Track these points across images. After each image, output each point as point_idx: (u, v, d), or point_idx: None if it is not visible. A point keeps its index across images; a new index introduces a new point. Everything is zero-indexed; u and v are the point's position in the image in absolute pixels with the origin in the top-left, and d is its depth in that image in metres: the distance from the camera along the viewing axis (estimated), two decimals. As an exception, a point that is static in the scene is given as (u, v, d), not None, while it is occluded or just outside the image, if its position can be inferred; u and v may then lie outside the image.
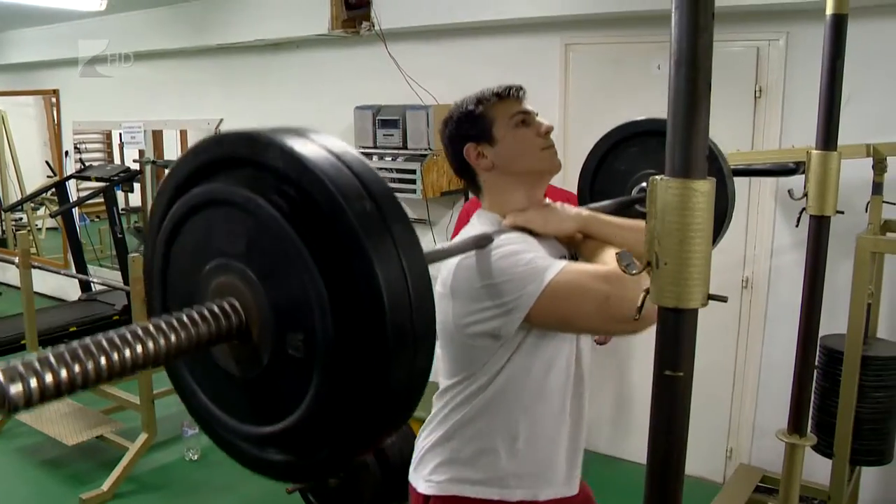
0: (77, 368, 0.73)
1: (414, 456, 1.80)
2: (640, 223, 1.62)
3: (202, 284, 0.91)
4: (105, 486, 3.82)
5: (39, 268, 5.31)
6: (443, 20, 4.26)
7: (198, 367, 0.97)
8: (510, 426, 1.63)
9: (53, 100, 7.43)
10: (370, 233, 0.80)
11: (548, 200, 1.73)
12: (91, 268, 7.09)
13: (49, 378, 0.70)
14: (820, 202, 1.87)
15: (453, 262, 1.55)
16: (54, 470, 4.18)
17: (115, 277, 6.62)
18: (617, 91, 3.94)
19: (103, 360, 0.74)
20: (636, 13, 3.70)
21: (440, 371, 1.72)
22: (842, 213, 1.96)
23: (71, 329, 5.81)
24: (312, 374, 0.83)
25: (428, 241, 4.68)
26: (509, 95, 1.71)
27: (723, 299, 0.90)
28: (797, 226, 2.05)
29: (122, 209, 7.15)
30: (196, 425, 4.27)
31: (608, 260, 1.51)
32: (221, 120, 5.84)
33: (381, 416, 0.86)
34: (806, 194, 1.91)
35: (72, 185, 7.03)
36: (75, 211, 7.00)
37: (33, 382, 0.69)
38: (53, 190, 7.00)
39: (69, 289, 7.10)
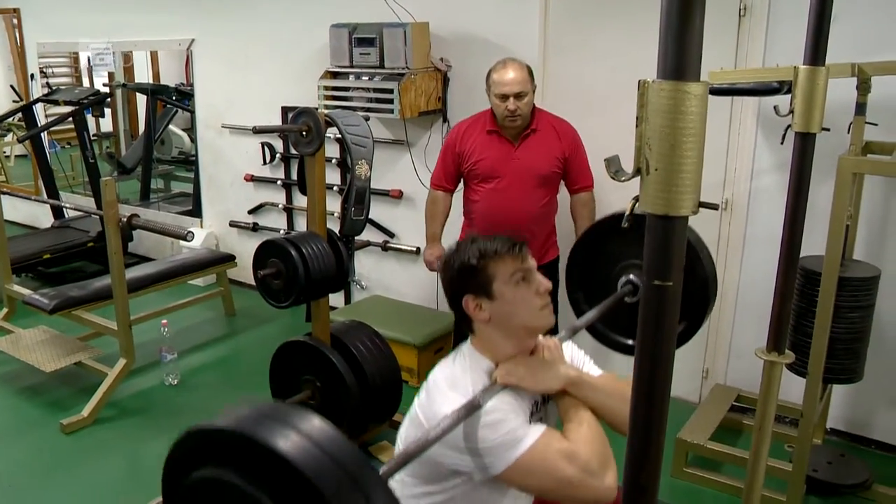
0: None
1: None
2: (618, 387, 1.80)
3: None
4: (85, 411, 3.83)
5: (9, 194, 5.21)
6: (420, -66, 4.12)
7: None
8: None
9: (15, 20, 7.15)
10: None
11: (540, 338, 1.82)
12: (63, 195, 6.97)
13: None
14: (806, 119, 1.84)
15: (438, 403, 1.65)
16: (33, 397, 4.17)
17: (89, 204, 6.52)
18: (602, 7, 3.84)
19: None
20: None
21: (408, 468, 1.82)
22: (827, 130, 1.93)
23: (45, 256, 5.75)
24: None
25: (406, 161, 4.62)
26: (510, 252, 1.75)
27: (714, 207, 0.87)
28: (782, 143, 2.03)
29: (94, 135, 6.98)
30: (175, 350, 4.28)
31: (581, 438, 1.66)
32: (193, 40, 5.67)
33: None
34: (792, 111, 1.87)
35: (39, 109, 6.84)
36: (45, 137, 6.84)
37: None
38: (20, 115, 6.81)
39: (41, 216, 6.98)
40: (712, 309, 2.09)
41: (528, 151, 3.43)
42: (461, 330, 1.90)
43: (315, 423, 0.88)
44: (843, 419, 3.65)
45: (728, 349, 3.88)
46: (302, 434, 0.86)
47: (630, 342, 2.08)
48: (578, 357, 1.99)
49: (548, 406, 1.86)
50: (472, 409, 1.45)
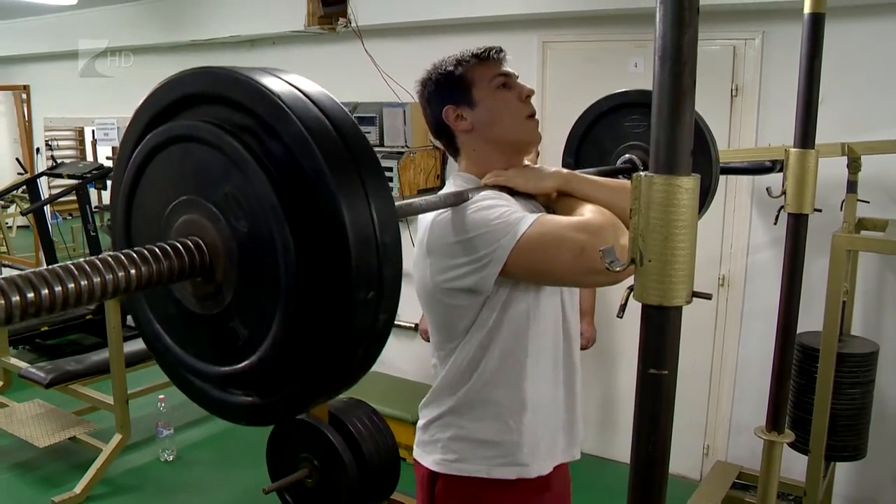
0: (34, 294, 0.72)
1: (419, 427, 1.78)
2: (622, 182, 1.63)
3: (167, 222, 0.90)
4: (78, 488, 3.76)
5: (10, 266, 5.23)
6: (420, 17, 4.25)
7: (160, 308, 0.97)
8: (516, 394, 1.61)
9: (24, 95, 7.30)
10: (338, 173, 0.78)
11: (527, 162, 1.71)
12: (63, 266, 6.98)
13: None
14: (798, 200, 1.88)
15: (428, 218, 1.53)
16: (26, 473, 4.11)
17: (88, 276, 6.53)
18: (595, 89, 3.91)
19: (69, 286, 0.74)
20: (614, 11, 3.70)
21: (432, 343, 1.72)
22: (819, 210, 1.97)
23: (42, 329, 5.72)
24: (275, 314, 0.82)
25: (405, 239, 4.65)
26: (489, 57, 1.66)
27: (707, 296, 0.89)
28: (775, 223, 2.06)
29: (95, 207, 7.04)
30: (171, 425, 4.24)
31: (585, 212, 1.49)
32: (196, 117, 5.77)
33: (344, 359, 0.85)
34: (784, 192, 1.91)
35: (43, 182, 6.92)
36: (47, 209, 6.90)
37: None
38: (24, 187, 6.89)
39: (41, 288, 6.98)
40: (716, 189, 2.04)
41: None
42: None
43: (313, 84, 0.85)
44: (847, 497, 3.59)
45: (728, 425, 3.85)
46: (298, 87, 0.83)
47: None
48: None
49: None
50: (460, 198, 1.37)
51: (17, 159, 7.92)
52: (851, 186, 3.06)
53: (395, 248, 0.83)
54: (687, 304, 0.90)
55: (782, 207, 1.95)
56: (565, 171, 1.65)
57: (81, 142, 7.92)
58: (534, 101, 1.72)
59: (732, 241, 3.69)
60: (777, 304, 1.96)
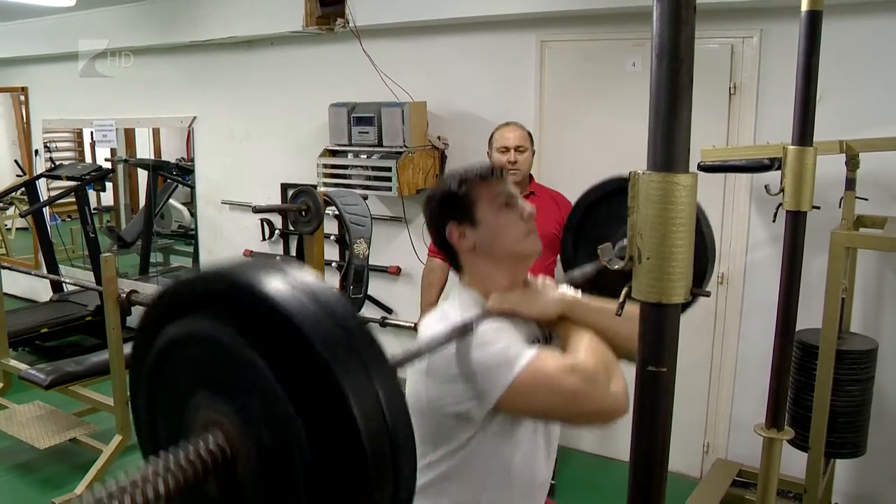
0: None
1: None
2: (627, 309, 1.65)
3: (188, 416, 0.92)
4: (78, 489, 3.76)
5: (9, 268, 5.23)
6: (418, 17, 4.24)
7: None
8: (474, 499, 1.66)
9: (22, 97, 7.31)
10: (340, 364, 0.79)
11: (530, 277, 1.73)
12: (63, 268, 6.99)
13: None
14: (796, 197, 1.88)
15: (430, 333, 1.56)
16: (26, 474, 4.11)
17: (88, 277, 6.54)
18: (592, 88, 3.95)
19: None
20: (611, 10, 3.71)
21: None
22: (818, 208, 1.97)
23: (42, 330, 5.73)
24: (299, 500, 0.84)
25: (404, 238, 4.67)
26: (492, 176, 1.70)
27: (706, 294, 0.89)
28: (774, 221, 2.06)
29: (94, 208, 7.05)
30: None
31: (580, 350, 1.52)
32: (195, 118, 5.78)
33: None
34: (782, 190, 1.92)
35: (42, 184, 6.92)
36: (46, 210, 6.90)
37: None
38: (23, 189, 6.89)
39: (41, 289, 6.98)
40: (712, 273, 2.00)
41: None
42: None
43: (313, 278, 0.84)
44: (847, 494, 3.59)
45: (728, 423, 3.85)
46: (298, 287, 0.81)
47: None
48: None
49: (551, 346, 1.72)
50: (464, 331, 1.39)
51: (16, 161, 7.92)
52: (850, 184, 3.06)
53: (405, 425, 0.85)
54: (685, 301, 0.90)
55: (781, 205, 1.95)
56: (569, 296, 1.68)
57: (80, 143, 7.89)
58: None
59: (731, 239, 3.69)
60: (776, 301, 1.96)
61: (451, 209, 1.69)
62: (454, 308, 1.66)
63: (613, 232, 1.95)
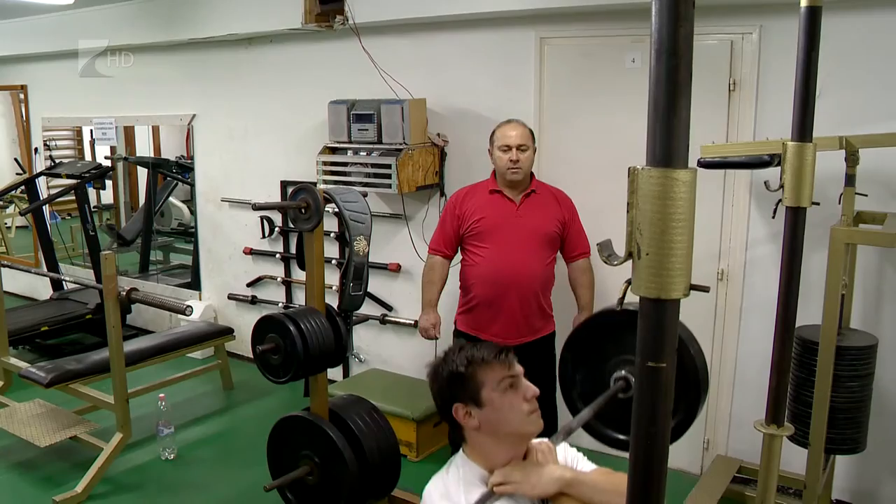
0: None
1: None
2: (619, 483, 1.73)
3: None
4: (79, 487, 3.77)
5: (9, 266, 5.23)
6: (417, 14, 4.24)
7: None
8: None
9: (21, 95, 7.30)
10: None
11: (530, 444, 1.80)
12: (63, 266, 6.99)
13: None
14: (796, 193, 1.88)
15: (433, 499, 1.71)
16: (27, 472, 4.11)
17: (88, 276, 6.54)
18: (592, 84, 3.95)
19: None
20: (611, 6, 3.71)
21: None
22: (817, 204, 1.97)
23: (42, 329, 5.73)
24: None
25: (404, 235, 4.67)
26: (497, 359, 1.76)
27: (705, 289, 0.89)
28: (773, 217, 2.06)
29: (94, 206, 7.05)
30: (172, 424, 4.24)
31: None
32: (194, 115, 5.78)
33: None
34: (782, 186, 1.92)
35: (42, 182, 6.92)
36: (46, 208, 6.90)
37: None
38: (23, 187, 6.89)
39: (41, 288, 6.99)
40: (704, 402, 2.06)
41: (529, 210, 3.49)
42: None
43: None
44: (847, 490, 3.60)
45: (728, 419, 3.85)
46: None
47: (624, 437, 2.04)
48: (571, 455, 1.97)
49: None
50: None
51: (16, 159, 7.91)
52: (849, 180, 3.05)
53: None
54: (685, 298, 0.90)
55: (780, 201, 1.95)
56: (568, 474, 1.75)
57: (80, 141, 7.89)
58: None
59: (731, 236, 3.69)
60: (776, 297, 1.96)
61: (457, 390, 1.76)
62: (458, 484, 1.74)
63: (610, 355, 2.00)
